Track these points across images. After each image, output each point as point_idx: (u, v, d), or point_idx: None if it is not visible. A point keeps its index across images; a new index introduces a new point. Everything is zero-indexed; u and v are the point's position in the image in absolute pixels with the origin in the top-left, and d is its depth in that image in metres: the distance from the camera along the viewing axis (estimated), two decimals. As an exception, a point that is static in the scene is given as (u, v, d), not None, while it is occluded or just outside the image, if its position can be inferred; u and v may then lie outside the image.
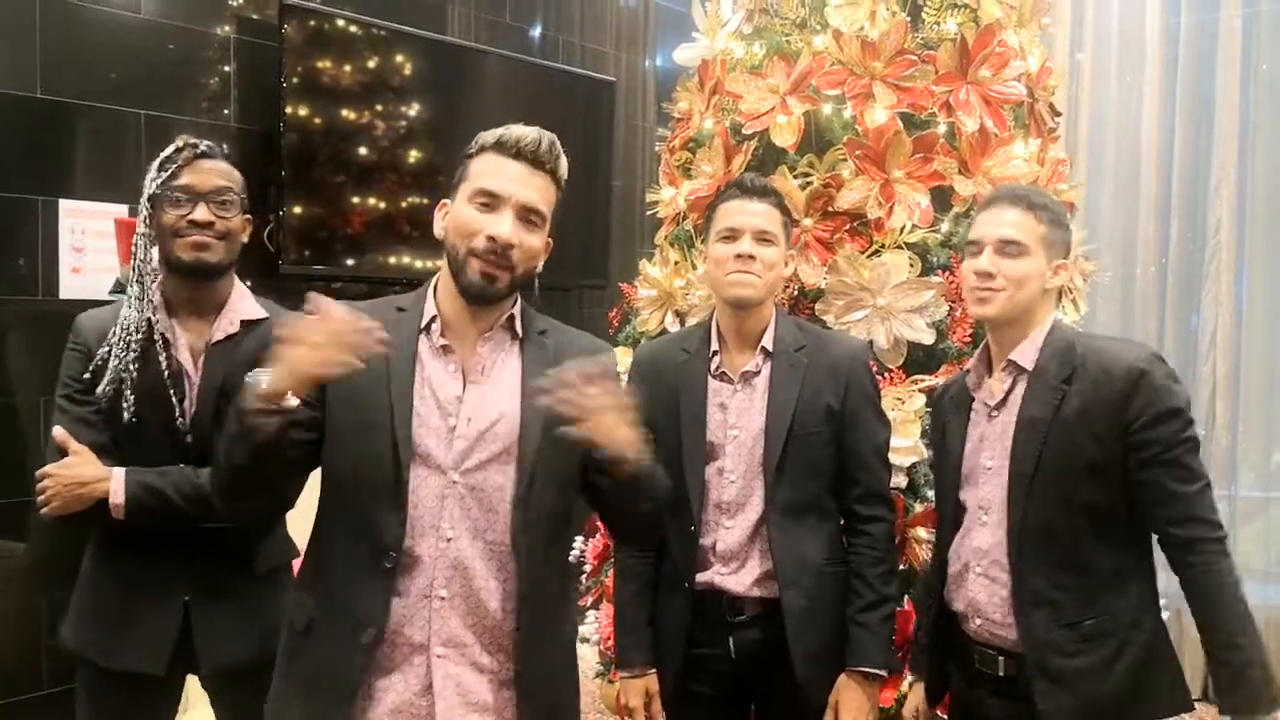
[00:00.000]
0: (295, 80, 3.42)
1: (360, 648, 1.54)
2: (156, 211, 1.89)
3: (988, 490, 1.88)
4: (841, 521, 2.09)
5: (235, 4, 3.43)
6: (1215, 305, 4.08)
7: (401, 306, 1.66)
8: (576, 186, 4.45)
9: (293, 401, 1.47)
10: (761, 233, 2.01)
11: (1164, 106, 4.20)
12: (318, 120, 3.50)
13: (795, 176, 2.72)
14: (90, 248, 3.07)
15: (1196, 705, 4.05)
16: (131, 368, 1.86)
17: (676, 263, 2.97)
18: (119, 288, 2.75)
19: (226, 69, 3.41)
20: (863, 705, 1.98)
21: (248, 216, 1.99)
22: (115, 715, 1.94)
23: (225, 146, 2.71)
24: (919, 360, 2.60)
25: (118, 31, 3.15)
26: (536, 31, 4.56)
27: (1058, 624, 1.80)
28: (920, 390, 2.52)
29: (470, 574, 1.57)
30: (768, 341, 2.05)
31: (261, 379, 1.44)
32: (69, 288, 3.04)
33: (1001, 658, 1.85)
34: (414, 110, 3.78)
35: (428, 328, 1.63)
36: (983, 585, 1.87)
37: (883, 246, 2.64)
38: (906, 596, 2.37)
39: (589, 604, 2.91)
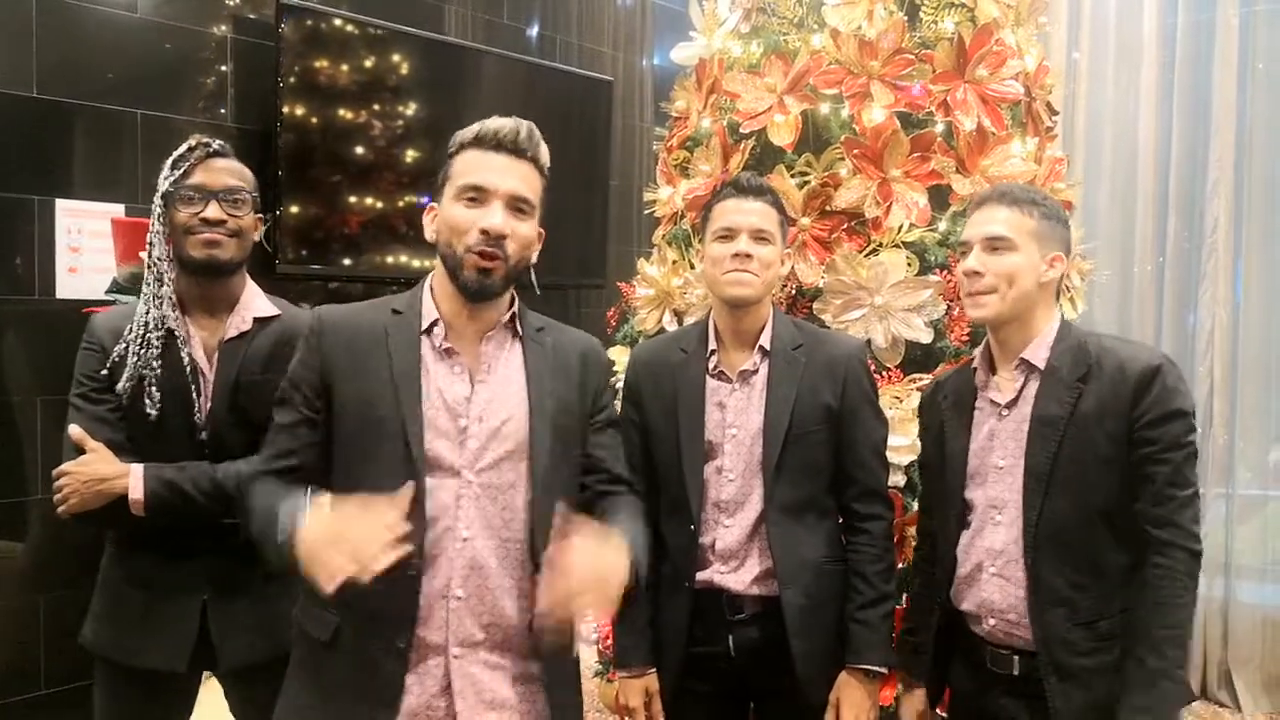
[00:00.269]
0: (292, 80, 3.42)
1: (396, 652, 1.54)
2: (169, 210, 1.92)
3: (999, 489, 1.88)
4: (840, 519, 2.09)
5: (232, 3, 3.43)
6: (1212, 304, 4.08)
7: (397, 309, 1.65)
8: (574, 185, 4.51)
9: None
10: (758, 231, 2.01)
11: (1161, 105, 4.20)
12: (315, 120, 3.50)
13: (793, 175, 2.72)
14: (87, 247, 3.07)
15: (1194, 703, 4.06)
16: (154, 364, 1.88)
17: (674, 262, 2.97)
18: (116, 287, 2.75)
19: (223, 68, 3.41)
20: (863, 703, 1.98)
21: (259, 215, 2.02)
22: (136, 713, 1.96)
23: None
24: (917, 359, 2.61)
25: (114, 31, 3.14)
26: (534, 31, 4.56)
27: (1074, 623, 1.80)
28: (918, 389, 2.52)
29: (486, 573, 1.58)
30: (765, 340, 2.04)
31: (297, 520, 1.43)
32: (65, 287, 3.04)
33: (1016, 657, 1.85)
34: (411, 110, 3.78)
35: (429, 330, 1.62)
36: (998, 585, 1.87)
37: (880, 245, 2.64)
38: (905, 594, 2.37)
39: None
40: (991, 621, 1.88)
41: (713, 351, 2.07)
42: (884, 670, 2.00)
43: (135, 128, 3.19)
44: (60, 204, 3.04)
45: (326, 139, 3.54)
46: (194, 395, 1.91)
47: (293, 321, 1.99)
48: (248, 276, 2.03)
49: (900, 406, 2.49)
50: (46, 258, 3.02)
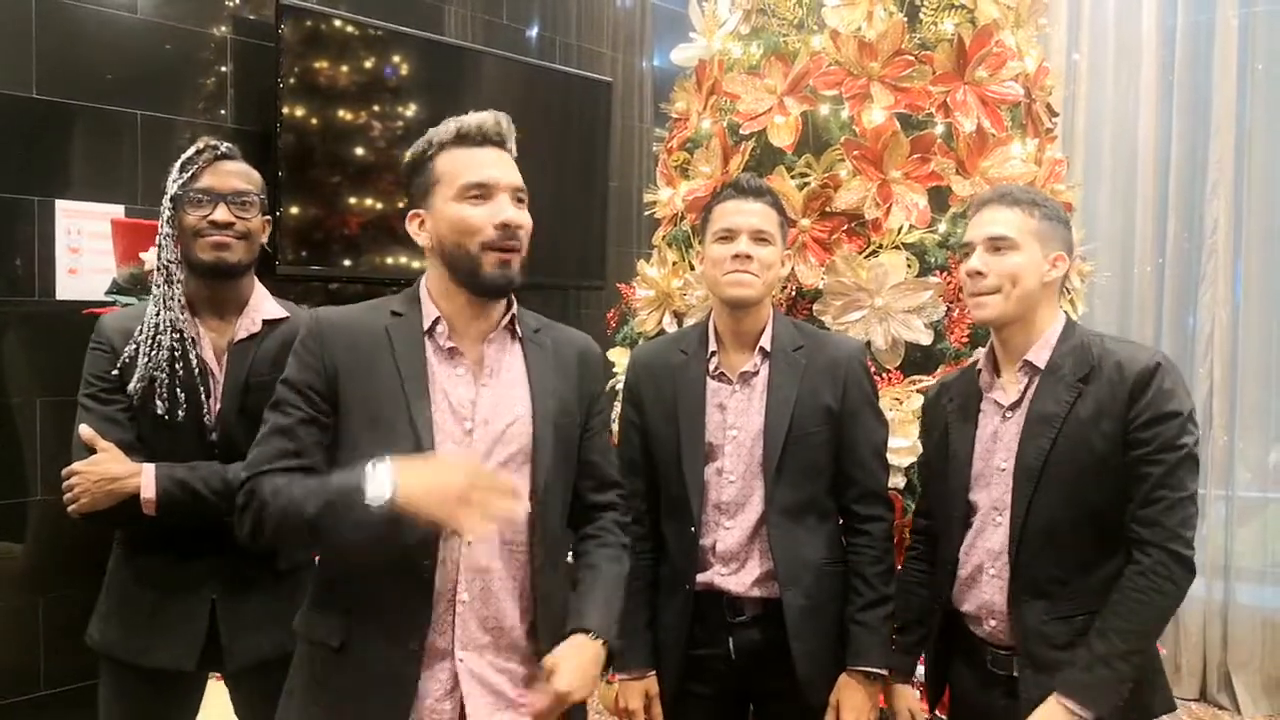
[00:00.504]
0: (292, 81, 3.42)
1: (410, 654, 1.54)
2: (178, 212, 1.93)
3: (1000, 491, 1.88)
4: (840, 521, 2.09)
5: (232, 4, 3.43)
6: (1212, 305, 4.08)
7: (396, 310, 1.64)
8: (574, 187, 4.51)
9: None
10: (758, 232, 2.01)
11: (1161, 107, 4.21)
12: (314, 121, 3.50)
13: (793, 177, 2.72)
14: (86, 248, 3.06)
15: (1193, 705, 4.06)
16: (165, 365, 1.89)
17: (674, 263, 2.97)
18: (116, 288, 2.75)
19: (223, 69, 3.41)
20: (863, 704, 1.98)
21: (267, 217, 2.03)
22: (143, 712, 1.96)
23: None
24: (916, 360, 2.61)
25: (114, 32, 3.14)
26: (533, 32, 4.56)
27: (1052, 616, 1.80)
28: (918, 390, 2.52)
29: (490, 576, 1.59)
30: (765, 342, 2.04)
31: (383, 483, 1.43)
32: (65, 288, 3.04)
33: (1016, 659, 1.85)
34: (411, 111, 3.78)
35: (431, 330, 1.62)
36: (996, 586, 1.87)
37: (880, 247, 2.65)
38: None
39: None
40: (992, 623, 1.88)
41: (713, 353, 2.07)
42: (884, 672, 2.00)
43: (135, 128, 3.19)
44: (60, 205, 3.03)
45: (326, 140, 3.53)
46: (203, 396, 1.92)
47: (300, 323, 2.00)
48: (256, 279, 2.04)
49: (900, 408, 2.49)
50: (46, 259, 3.01)
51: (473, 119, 1.60)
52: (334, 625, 1.58)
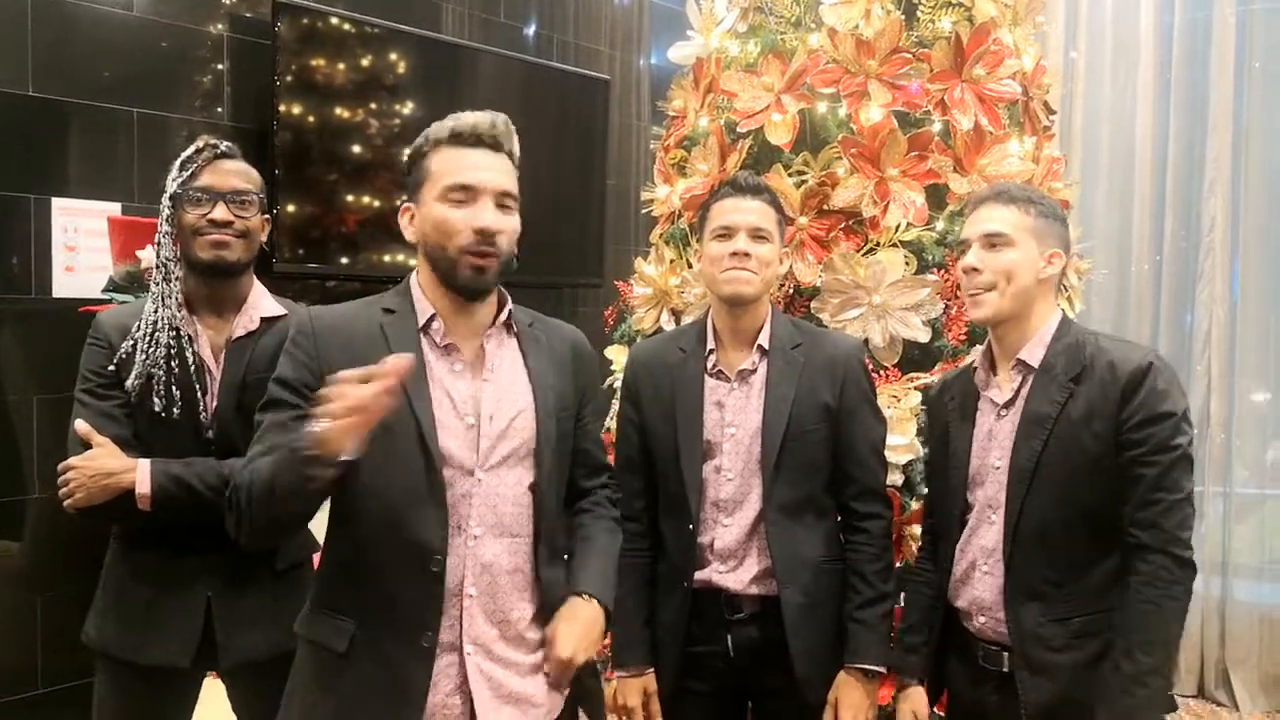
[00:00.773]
0: (289, 78, 3.41)
1: (421, 652, 1.54)
2: (177, 210, 1.94)
3: (994, 489, 1.88)
4: (839, 519, 2.09)
5: (228, 2, 3.42)
6: (1209, 302, 4.09)
7: (389, 308, 1.64)
8: (571, 185, 4.50)
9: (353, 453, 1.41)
10: (756, 230, 2.01)
11: (1158, 104, 4.21)
12: (311, 119, 3.49)
13: (790, 175, 2.72)
14: (83, 246, 3.06)
15: (1191, 702, 4.07)
16: (162, 362, 1.89)
17: (672, 261, 2.97)
18: (113, 286, 2.75)
19: (220, 67, 3.40)
20: (861, 702, 1.98)
21: (266, 216, 2.03)
22: (138, 710, 1.96)
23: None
24: (914, 358, 2.61)
25: (110, 29, 3.13)
26: (531, 29, 4.55)
27: (1048, 618, 1.80)
28: (916, 388, 2.52)
29: (495, 570, 1.59)
30: (764, 339, 2.04)
31: (315, 430, 1.38)
32: (62, 286, 3.03)
33: (1006, 654, 1.85)
34: (408, 109, 3.77)
35: (426, 327, 1.62)
36: (988, 583, 1.87)
37: (878, 244, 2.64)
38: (903, 593, 2.37)
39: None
40: (982, 619, 1.89)
41: (711, 351, 2.07)
42: (882, 670, 2.00)
43: (131, 126, 3.18)
44: (56, 203, 3.03)
45: (323, 138, 3.53)
46: (200, 393, 1.92)
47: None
48: (254, 277, 2.04)
49: (898, 406, 2.49)
50: (43, 257, 3.01)
51: (468, 118, 1.59)
52: (338, 627, 1.57)
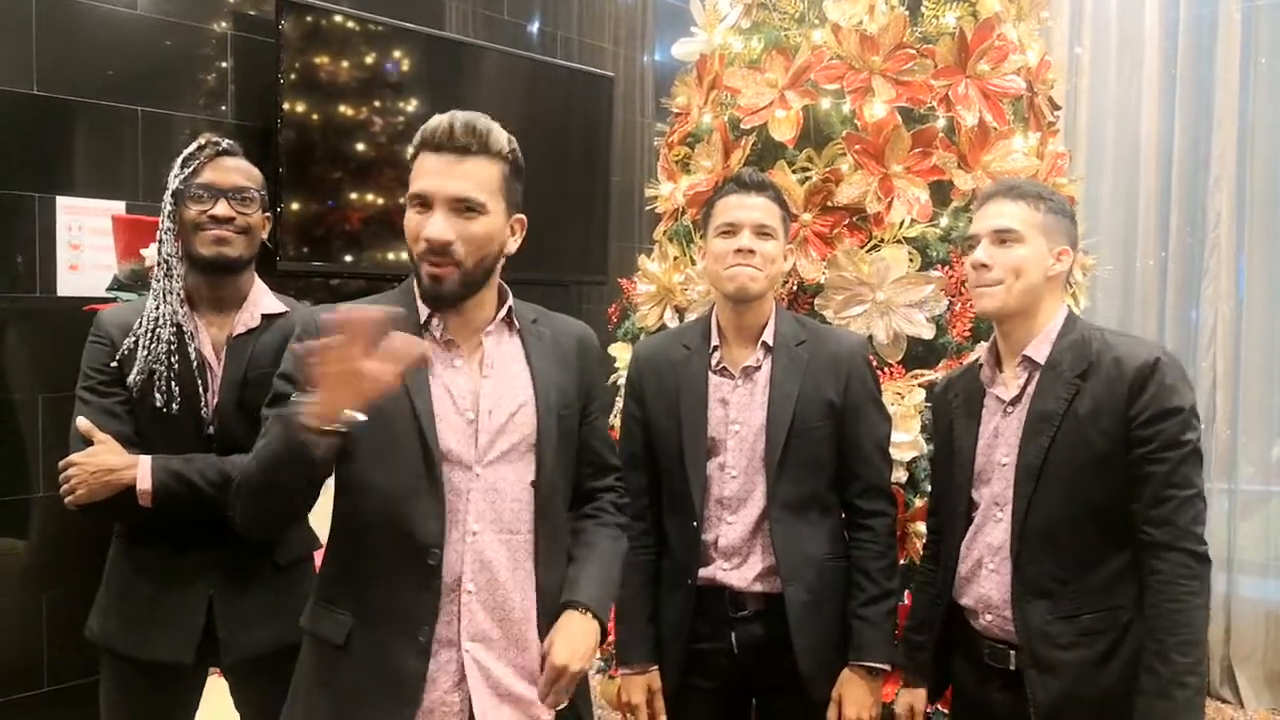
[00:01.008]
0: (292, 76, 3.42)
1: (418, 647, 1.54)
2: (179, 207, 1.94)
3: (1001, 486, 1.87)
4: (843, 516, 2.09)
5: (232, 0, 3.42)
6: (1215, 299, 4.07)
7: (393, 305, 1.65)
8: (575, 182, 4.50)
9: (359, 417, 1.41)
10: (760, 227, 2.00)
11: (1163, 100, 4.19)
12: (315, 116, 3.49)
13: (794, 171, 2.71)
14: (88, 244, 3.06)
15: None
16: (164, 358, 1.90)
17: (675, 258, 2.96)
18: (117, 284, 2.75)
19: (223, 65, 3.41)
20: (865, 699, 1.98)
21: (267, 214, 2.04)
22: (142, 706, 1.97)
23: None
24: (918, 355, 2.60)
25: (114, 28, 3.14)
26: (534, 27, 4.55)
27: (1055, 616, 1.79)
28: (920, 385, 2.52)
29: (495, 566, 1.59)
30: (768, 336, 2.04)
31: (306, 403, 1.38)
32: (67, 285, 3.04)
33: (1012, 652, 1.85)
34: (412, 106, 3.77)
35: (428, 324, 1.62)
36: (995, 581, 1.86)
37: (882, 241, 2.64)
38: (907, 591, 2.37)
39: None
40: (989, 616, 1.88)
41: (715, 348, 2.07)
42: (886, 667, 2.00)
43: (136, 125, 3.18)
44: (61, 201, 3.03)
45: (327, 135, 3.53)
46: (201, 390, 1.93)
47: (300, 318, 2.01)
48: (256, 274, 2.05)
49: (902, 403, 2.49)
50: (47, 255, 3.01)
51: (432, 122, 1.55)
52: (337, 621, 1.58)
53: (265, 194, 2.02)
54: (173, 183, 1.94)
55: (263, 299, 2.03)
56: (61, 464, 1.86)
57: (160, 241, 1.96)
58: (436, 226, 1.52)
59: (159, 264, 1.95)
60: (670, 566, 2.07)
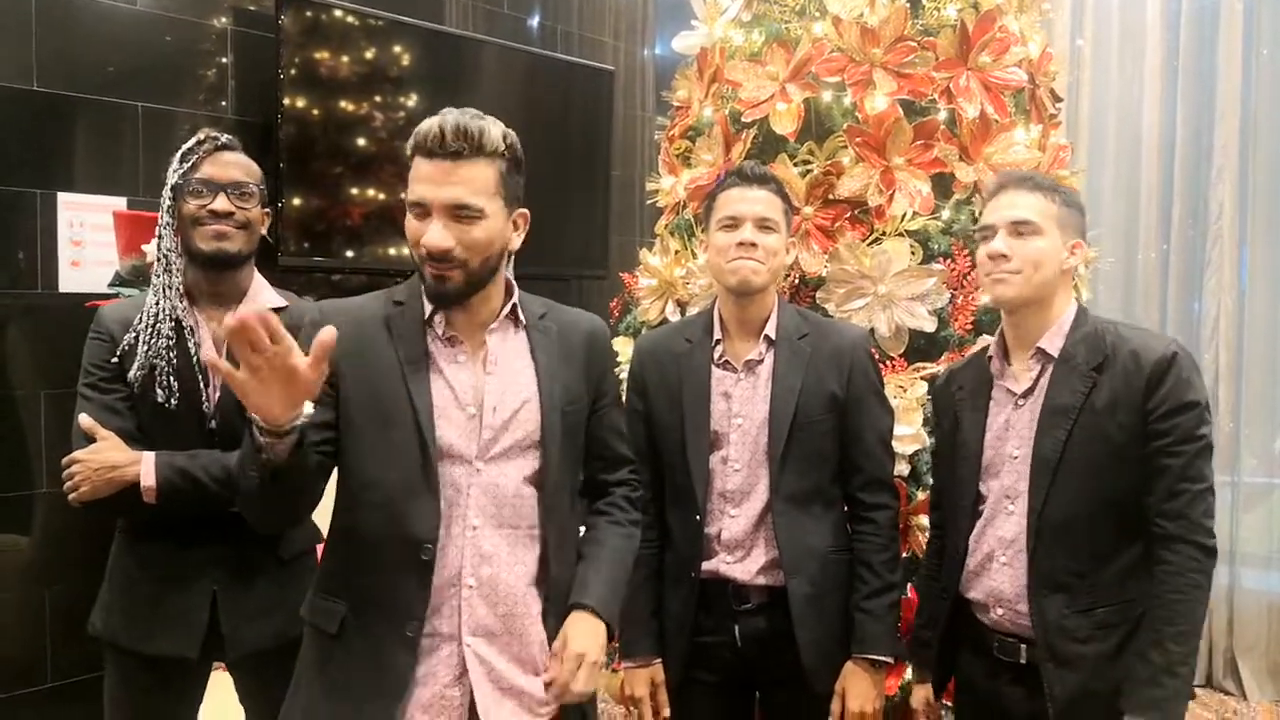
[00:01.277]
0: (293, 72, 3.41)
1: (405, 641, 1.54)
2: (178, 202, 1.94)
3: (1012, 479, 1.87)
4: (846, 509, 2.09)
5: (232, -5, 3.42)
6: (1217, 291, 4.07)
7: (398, 300, 1.64)
8: (576, 176, 4.49)
9: (306, 411, 1.40)
10: (762, 220, 2.00)
11: (1165, 92, 4.19)
12: (316, 112, 3.49)
13: (795, 164, 2.71)
14: (89, 241, 3.06)
15: (1199, 691, 4.06)
16: (164, 353, 1.90)
17: (677, 252, 2.96)
18: (119, 280, 2.75)
19: (223, 61, 3.40)
20: (869, 692, 1.98)
21: (267, 209, 2.03)
22: (147, 701, 1.97)
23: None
24: (920, 348, 2.60)
25: (114, 24, 3.13)
26: (535, 21, 4.54)
27: (1072, 610, 1.79)
28: (922, 378, 2.52)
29: (496, 561, 1.59)
30: (770, 329, 2.04)
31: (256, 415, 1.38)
32: (68, 281, 3.04)
33: (1023, 645, 1.85)
34: (412, 101, 3.77)
35: (431, 319, 1.62)
36: (1007, 574, 1.86)
37: (883, 234, 2.64)
38: (910, 584, 2.37)
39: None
40: (1000, 610, 1.87)
41: (718, 341, 2.07)
42: (890, 660, 2.00)
43: (136, 121, 3.18)
44: (62, 197, 3.03)
45: (327, 131, 3.52)
46: (202, 385, 1.93)
47: (300, 313, 2.01)
48: (255, 269, 2.05)
49: (904, 396, 2.49)
50: (49, 251, 3.01)
51: (424, 127, 1.51)
52: (331, 610, 1.59)
53: (264, 189, 2.02)
54: (172, 177, 1.94)
55: (263, 293, 2.03)
56: (65, 461, 1.86)
57: (159, 236, 1.96)
58: (435, 235, 1.51)
59: (158, 259, 1.95)
60: (673, 560, 2.07)
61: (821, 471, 2.03)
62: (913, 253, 2.60)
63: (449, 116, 1.52)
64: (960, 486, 1.95)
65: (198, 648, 1.92)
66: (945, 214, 2.68)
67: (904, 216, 2.62)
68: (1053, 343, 1.86)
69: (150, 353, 1.90)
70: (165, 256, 1.94)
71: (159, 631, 1.92)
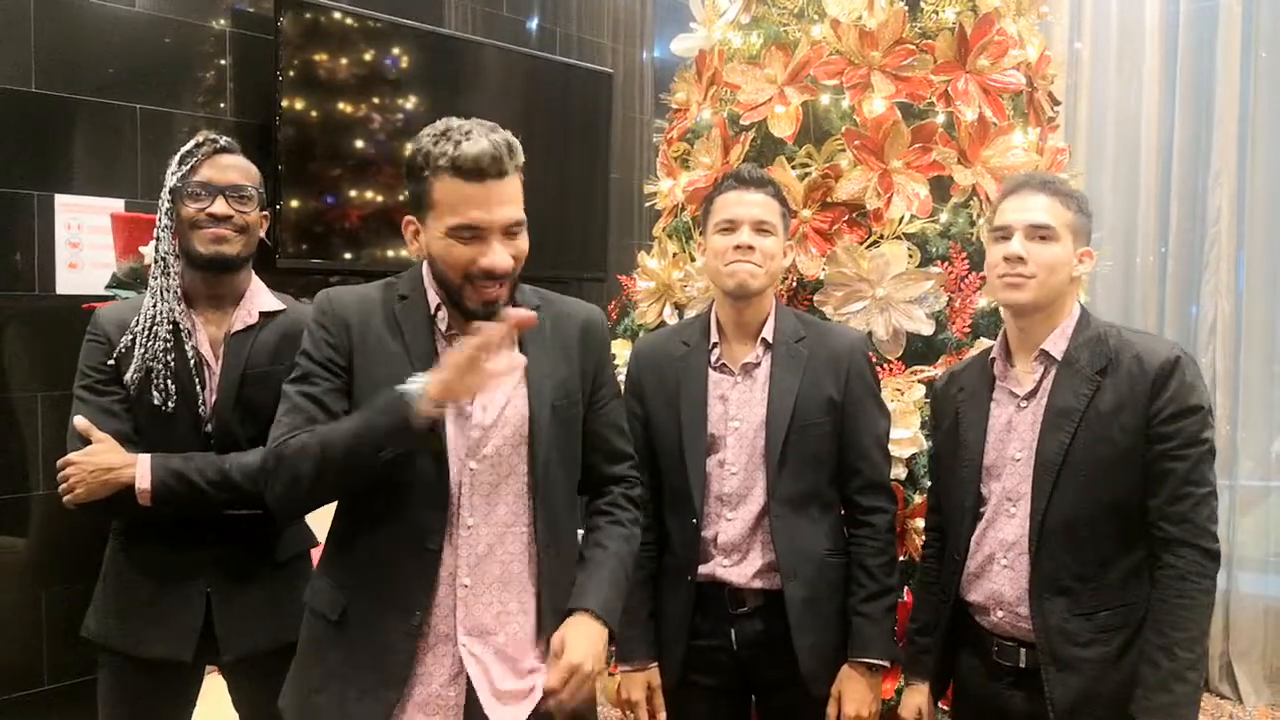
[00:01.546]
0: (291, 73, 3.41)
1: (411, 630, 1.55)
2: (176, 205, 1.94)
3: (1015, 482, 1.86)
4: (843, 512, 2.09)
5: (230, -3, 3.42)
6: (1215, 294, 4.07)
7: (403, 294, 1.64)
8: (574, 179, 4.49)
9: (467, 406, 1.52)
10: (760, 223, 2.00)
11: (1163, 95, 4.19)
12: (314, 113, 3.49)
13: (794, 167, 2.71)
14: (86, 243, 3.06)
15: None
16: (161, 355, 1.89)
17: (675, 254, 2.96)
18: (116, 282, 2.75)
19: (222, 62, 3.40)
20: (865, 696, 1.98)
21: (265, 212, 2.03)
22: (140, 704, 1.96)
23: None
24: (918, 351, 2.60)
25: (113, 25, 3.13)
26: (533, 23, 4.55)
27: (1074, 613, 1.79)
28: (920, 381, 2.52)
29: (491, 560, 1.59)
30: (768, 333, 2.04)
31: (417, 388, 1.45)
32: (65, 283, 3.03)
33: (1023, 649, 1.84)
34: (411, 103, 3.77)
35: (435, 315, 1.63)
36: (1008, 577, 1.86)
37: (881, 237, 2.64)
38: (906, 587, 2.37)
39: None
40: (1000, 613, 1.87)
41: (715, 344, 2.07)
42: (886, 663, 2.00)
43: (134, 122, 3.18)
44: (59, 199, 3.03)
45: (326, 133, 3.53)
46: (199, 388, 1.92)
47: (298, 316, 2.01)
48: (253, 272, 2.04)
49: (902, 399, 2.48)
50: (46, 253, 3.01)
51: (469, 150, 1.50)
52: (335, 597, 1.60)
53: (263, 192, 2.02)
54: (170, 180, 1.94)
55: (260, 296, 2.03)
56: (60, 463, 1.86)
57: (157, 239, 1.95)
58: (501, 257, 1.53)
59: (156, 261, 1.95)
60: (670, 563, 2.07)
61: (818, 475, 2.03)
62: (910, 256, 2.60)
63: (489, 138, 1.52)
64: (961, 488, 1.95)
65: (192, 651, 1.91)
66: (943, 217, 2.68)
67: (902, 219, 2.62)
68: (1056, 345, 1.86)
69: (147, 355, 1.89)
70: (163, 259, 1.94)
71: (153, 634, 1.91)
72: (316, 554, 1.91)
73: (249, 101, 3.45)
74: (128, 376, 1.89)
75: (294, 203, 3.44)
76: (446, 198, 1.52)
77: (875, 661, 1.98)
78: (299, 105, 3.44)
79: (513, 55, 4.24)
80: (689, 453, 2.02)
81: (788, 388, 2.00)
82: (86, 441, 1.86)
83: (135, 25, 3.18)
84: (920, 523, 2.36)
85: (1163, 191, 4.20)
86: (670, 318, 2.89)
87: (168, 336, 1.91)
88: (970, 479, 1.93)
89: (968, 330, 2.59)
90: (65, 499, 1.85)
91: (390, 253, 3.74)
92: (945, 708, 2.10)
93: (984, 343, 2.51)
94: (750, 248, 1.98)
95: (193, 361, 1.92)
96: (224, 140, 1.98)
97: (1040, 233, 1.83)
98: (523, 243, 1.58)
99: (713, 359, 2.06)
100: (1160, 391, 1.75)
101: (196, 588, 1.93)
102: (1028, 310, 1.86)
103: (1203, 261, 4.11)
